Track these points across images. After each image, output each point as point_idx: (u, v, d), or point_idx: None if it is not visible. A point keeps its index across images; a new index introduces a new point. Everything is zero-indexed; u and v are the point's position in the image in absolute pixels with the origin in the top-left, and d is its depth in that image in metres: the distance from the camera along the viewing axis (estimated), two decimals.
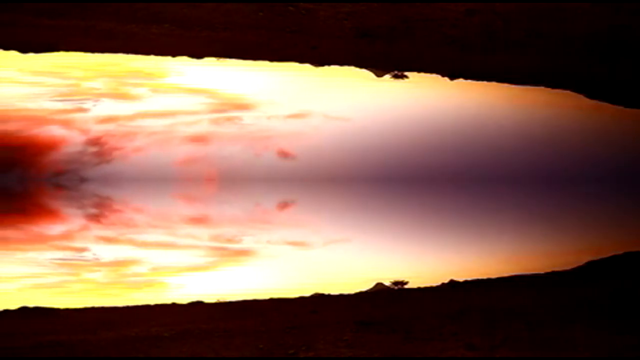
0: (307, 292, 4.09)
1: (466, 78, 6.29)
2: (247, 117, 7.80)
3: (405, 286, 4.45)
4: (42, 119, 7.15)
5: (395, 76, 6.30)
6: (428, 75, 6.18)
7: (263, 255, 5.56)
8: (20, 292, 4.07)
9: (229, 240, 6.26)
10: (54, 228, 6.77)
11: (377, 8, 4.74)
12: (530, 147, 8.31)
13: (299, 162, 7.94)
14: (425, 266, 5.28)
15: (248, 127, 7.83)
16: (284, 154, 7.88)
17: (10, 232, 6.41)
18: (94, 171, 7.49)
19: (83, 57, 5.36)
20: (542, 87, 6.54)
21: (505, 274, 4.84)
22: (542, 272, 4.88)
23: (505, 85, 6.51)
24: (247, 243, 6.17)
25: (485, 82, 6.38)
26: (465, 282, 4.54)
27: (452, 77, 6.25)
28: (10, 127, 7.03)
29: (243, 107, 7.79)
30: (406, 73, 6.26)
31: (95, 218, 7.39)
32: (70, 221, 7.22)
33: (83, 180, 7.56)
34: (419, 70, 6.12)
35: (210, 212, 8.65)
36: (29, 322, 3.45)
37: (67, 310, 3.67)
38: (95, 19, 4.60)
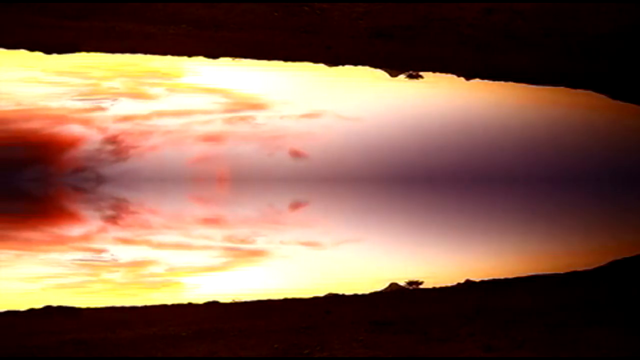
0: (321, 292, 4.09)
1: (482, 78, 6.23)
2: (260, 116, 7.80)
3: (420, 286, 4.43)
4: (62, 118, 7.22)
5: (410, 76, 6.27)
6: (443, 75, 6.14)
7: (277, 256, 5.57)
8: (44, 291, 4.11)
9: (243, 241, 6.27)
10: (74, 230, 6.83)
11: (393, 7, 4.70)
12: (549, 147, 8.24)
13: (311, 162, 7.92)
14: (440, 266, 5.25)
15: (261, 127, 7.83)
16: (296, 154, 7.87)
17: (33, 234, 6.47)
18: (111, 169, 7.54)
19: (103, 57, 5.42)
20: (563, 87, 6.47)
21: (523, 274, 4.80)
22: (562, 272, 4.83)
23: (523, 85, 6.45)
24: (260, 243, 6.17)
25: (502, 82, 6.32)
26: (482, 282, 4.52)
27: (468, 77, 6.20)
28: (33, 125, 7.11)
29: (257, 106, 7.80)
30: (421, 73, 6.23)
31: (112, 220, 7.45)
32: (88, 223, 7.28)
33: (100, 178, 7.61)
34: (434, 70, 6.08)
35: (224, 213, 8.67)
36: (52, 321, 3.49)
37: (88, 309, 3.71)
38: (115, 20, 4.63)
